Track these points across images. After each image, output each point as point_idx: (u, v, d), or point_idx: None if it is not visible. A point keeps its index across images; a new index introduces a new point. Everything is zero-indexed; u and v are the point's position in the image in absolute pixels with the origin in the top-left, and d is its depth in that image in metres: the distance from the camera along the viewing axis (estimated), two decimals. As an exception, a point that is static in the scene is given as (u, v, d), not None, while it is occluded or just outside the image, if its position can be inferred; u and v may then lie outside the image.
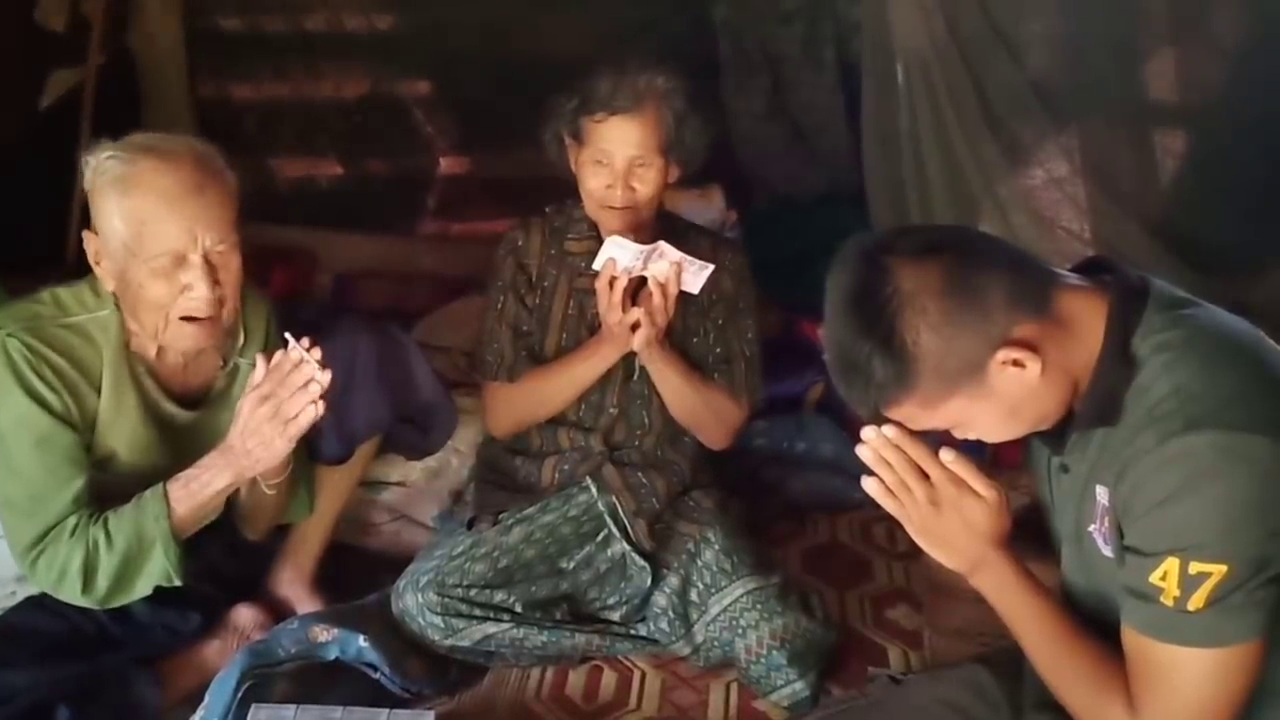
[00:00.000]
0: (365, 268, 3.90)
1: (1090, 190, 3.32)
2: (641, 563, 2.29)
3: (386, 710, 1.97)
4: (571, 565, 2.31)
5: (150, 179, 1.89)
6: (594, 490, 2.35)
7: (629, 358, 2.35)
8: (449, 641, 2.19)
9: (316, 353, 1.87)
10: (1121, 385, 1.36)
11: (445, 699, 2.18)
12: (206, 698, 1.99)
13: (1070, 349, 1.37)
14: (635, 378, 2.41)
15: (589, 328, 2.40)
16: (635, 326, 2.22)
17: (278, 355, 1.90)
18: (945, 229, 1.63)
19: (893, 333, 1.33)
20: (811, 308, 1.54)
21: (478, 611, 2.19)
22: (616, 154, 2.25)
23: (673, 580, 2.28)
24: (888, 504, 1.46)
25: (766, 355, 2.51)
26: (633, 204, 2.28)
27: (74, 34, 3.60)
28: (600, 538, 2.33)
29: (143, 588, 2.00)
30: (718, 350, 2.44)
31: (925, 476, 1.43)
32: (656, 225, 2.37)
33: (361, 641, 2.10)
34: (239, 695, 1.97)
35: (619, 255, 2.19)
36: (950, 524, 1.44)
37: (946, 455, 1.42)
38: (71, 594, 1.98)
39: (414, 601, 2.19)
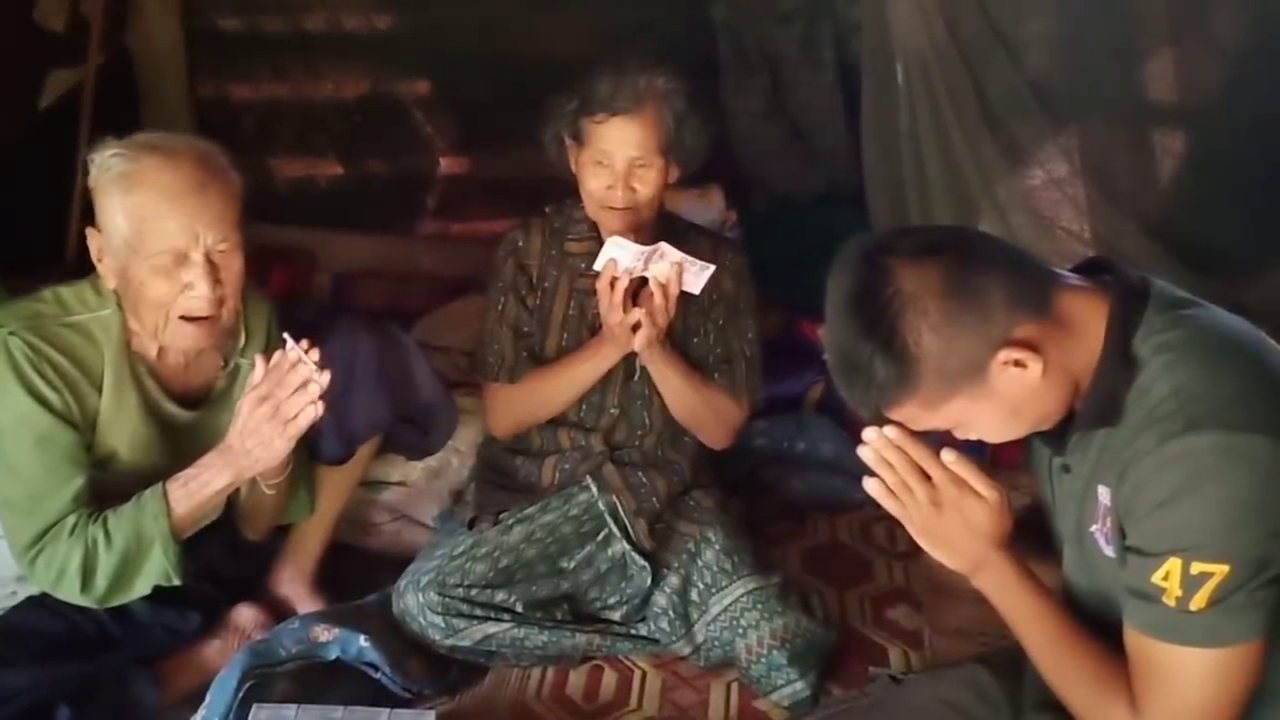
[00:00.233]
0: (364, 268, 3.90)
1: (1089, 191, 3.32)
2: (642, 562, 2.29)
3: (387, 710, 1.97)
4: (572, 565, 2.31)
5: (153, 176, 1.89)
6: (594, 490, 2.35)
7: (630, 358, 2.35)
8: (450, 641, 2.19)
9: (315, 353, 1.87)
10: (1122, 386, 1.36)
11: (446, 699, 2.18)
12: (208, 697, 1.99)
13: (1071, 349, 1.37)
14: (636, 378, 2.41)
15: (589, 328, 2.40)
16: (636, 327, 2.22)
17: (276, 355, 1.90)
18: (945, 229, 1.63)
19: (894, 334, 1.33)
20: (811, 308, 1.54)
21: (478, 611, 2.19)
22: (617, 155, 2.25)
23: (673, 580, 2.28)
24: (889, 504, 1.46)
25: (766, 355, 2.51)
26: (633, 205, 2.28)
27: (73, 34, 3.59)
28: (601, 537, 2.33)
29: (142, 587, 2.01)
30: (718, 350, 2.44)
31: (927, 477, 1.44)
32: (656, 225, 2.38)
33: (362, 641, 2.10)
34: (240, 695, 1.97)
35: (619, 256, 2.19)
36: (952, 524, 1.44)
37: (948, 456, 1.43)
38: (70, 593, 1.98)
39: (415, 601, 2.19)
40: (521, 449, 2.47)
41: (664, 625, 2.27)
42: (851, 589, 2.59)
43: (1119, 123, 3.41)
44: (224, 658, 2.11)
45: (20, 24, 3.47)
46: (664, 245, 2.21)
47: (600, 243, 2.24)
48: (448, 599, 2.18)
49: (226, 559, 2.25)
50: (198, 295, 1.92)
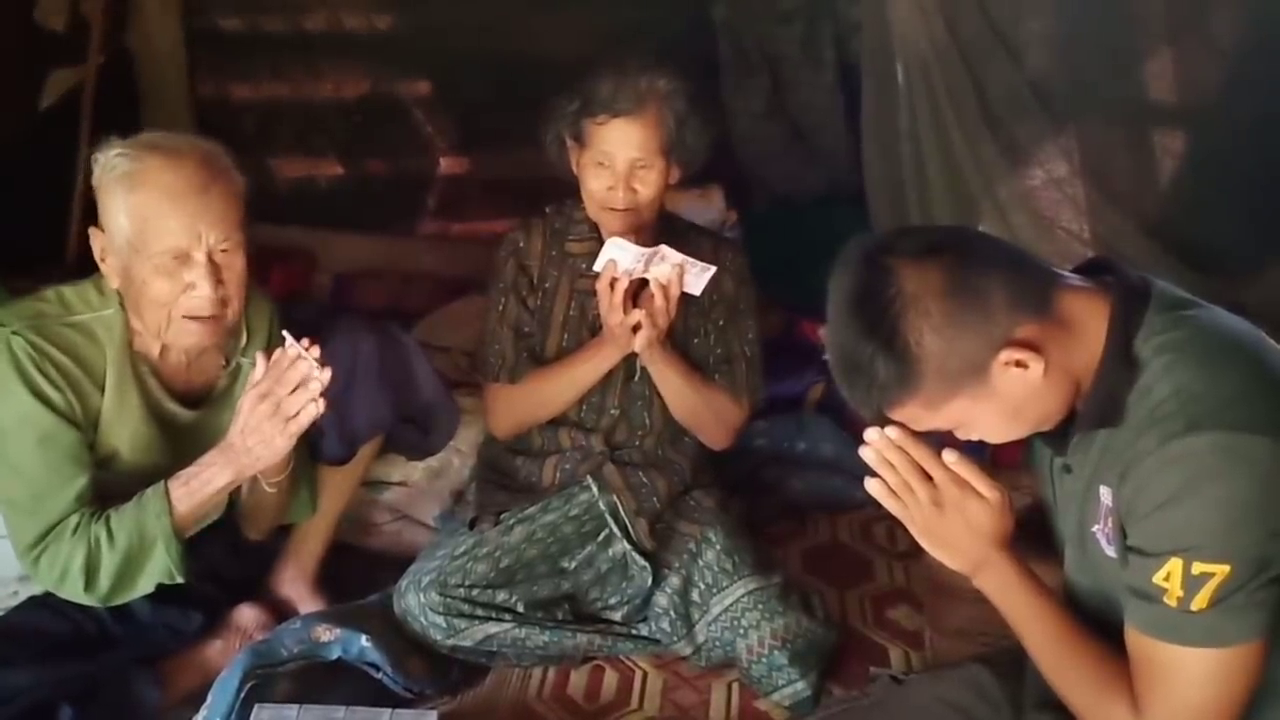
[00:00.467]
0: (365, 268, 3.90)
1: (1089, 191, 3.32)
2: (642, 562, 2.29)
3: (389, 710, 1.97)
4: (573, 565, 2.31)
5: (156, 176, 1.89)
6: (595, 490, 2.35)
7: (630, 358, 2.35)
8: (451, 641, 2.19)
9: (315, 351, 1.87)
10: (1123, 386, 1.36)
11: (447, 699, 2.19)
12: (209, 697, 1.99)
13: (1072, 350, 1.38)
14: (636, 378, 2.41)
15: (590, 329, 2.40)
16: (636, 328, 2.22)
17: (276, 353, 1.91)
18: (946, 230, 1.63)
19: (895, 334, 1.33)
20: (812, 307, 1.54)
21: (480, 611, 2.20)
22: (618, 156, 2.25)
23: (674, 580, 2.28)
24: (890, 505, 1.46)
25: (767, 355, 2.51)
26: (634, 205, 2.28)
27: (73, 34, 3.60)
28: (601, 537, 2.33)
29: (145, 585, 2.01)
30: (718, 351, 2.44)
31: (928, 477, 1.44)
32: (657, 226, 2.38)
33: (364, 641, 2.10)
34: (242, 695, 1.97)
35: (620, 257, 2.19)
36: (953, 525, 1.45)
37: (949, 456, 1.43)
38: (74, 592, 1.98)
39: (416, 601, 2.19)
40: (522, 449, 2.47)
41: (665, 625, 2.27)
42: (852, 589, 2.59)
43: (1119, 123, 3.41)
44: (226, 658, 2.11)
45: (20, 24, 3.48)
46: (665, 248, 2.21)
47: (601, 243, 2.24)
48: (449, 599, 2.19)
49: (228, 559, 2.26)
50: (200, 295, 1.93)
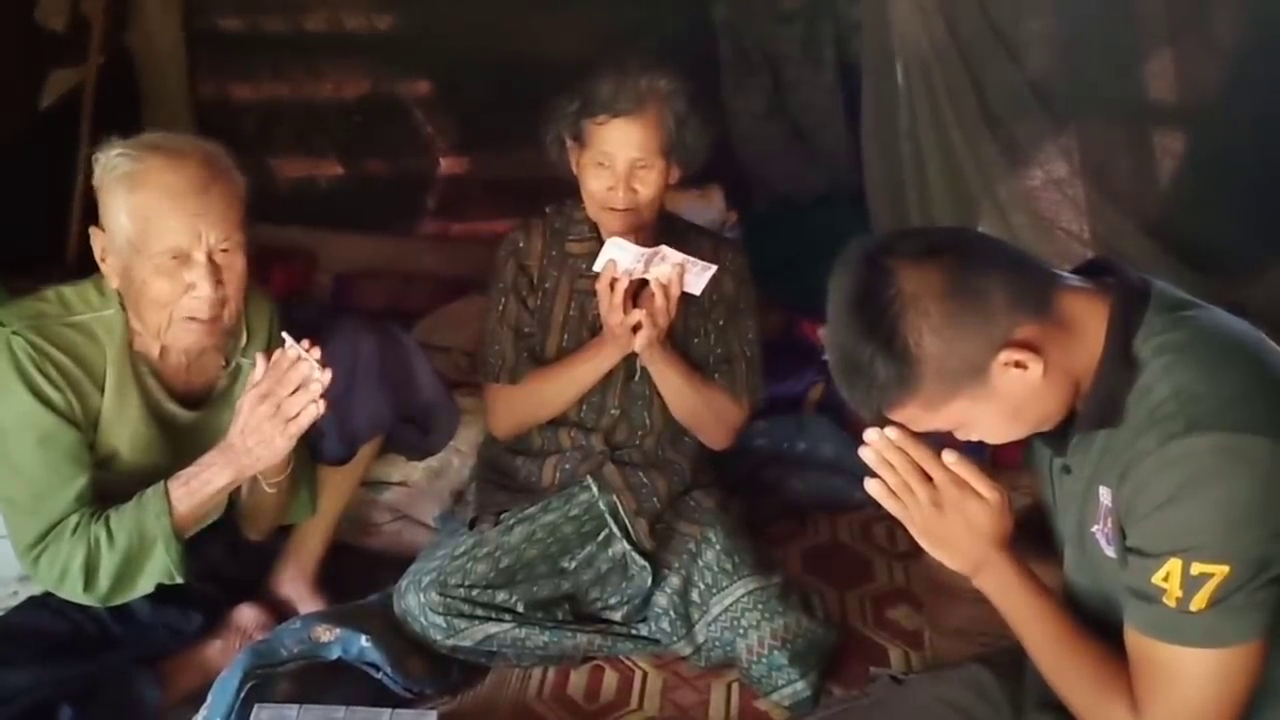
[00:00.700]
0: (365, 268, 3.90)
1: (1089, 191, 3.32)
2: (642, 563, 2.29)
3: (389, 710, 1.97)
4: (573, 565, 2.31)
5: (156, 176, 1.90)
6: (595, 490, 2.35)
7: (630, 358, 2.35)
8: (451, 641, 2.20)
9: (316, 352, 1.88)
10: (1123, 387, 1.36)
11: (447, 699, 2.19)
12: (209, 697, 1.99)
13: (1072, 350, 1.38)
14: (636, 378, 2.41)
15: (590, 329, 2.40)
16: (636, 328, 2.22)
17: (276, 353, 1.91)
18: (946, 230, 1.64)
19: (895, 335, 1.33)
20: (812, 307, 1.54)
21: (479, 611, 2.20)
22: (618, 156, 2.25)
23: (674, 580, 2.28)
24: (890, 505, 1.46)
25: (767, 355, 2.51)
26: (634, 205, 2.28)
27: (74, 34, 3.60)
28: (601, 537, 2.33)
29: (144, 585, 2.01)
30: (718, 351, 2.44)
31: (928, 478, 1.44)
32: (657, 226, 2.38)
33: (364, 641, 2.10)
34: (241, 695, 1.97)
35: (619, 257, 2.19)
36: (953, 525, 1.45)
37: (949, 457, 1.43)
38: (73, 592, 1.99)
39: (416, 601, 2.19)
40: (522, 449, 2.47)
41: (665, 625, 2.27)
42: (852, 589, 2.59)
43: (1119, 123, 3.41)
44: (226, 658, 2.11)
45: (21, 24, 3.48)
46: (665, 248, 2.21)
47: (601, 243, 2.24)
48: (449, 599, 2.19)
49: (228, 559, 2.26)
50: (199, 296, 1.93)
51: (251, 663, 2.01)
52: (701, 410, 2.41)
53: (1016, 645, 1.52)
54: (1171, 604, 1.31)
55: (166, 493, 1.96)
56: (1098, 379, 1.37)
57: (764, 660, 2.19)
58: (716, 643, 2.24)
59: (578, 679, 2.27)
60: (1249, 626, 1.30)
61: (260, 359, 1.92)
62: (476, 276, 2.92)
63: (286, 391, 1.88)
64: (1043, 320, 1.36)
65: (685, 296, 2.26)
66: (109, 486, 2.01)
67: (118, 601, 2.02)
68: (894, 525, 1.54)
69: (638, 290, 2.25)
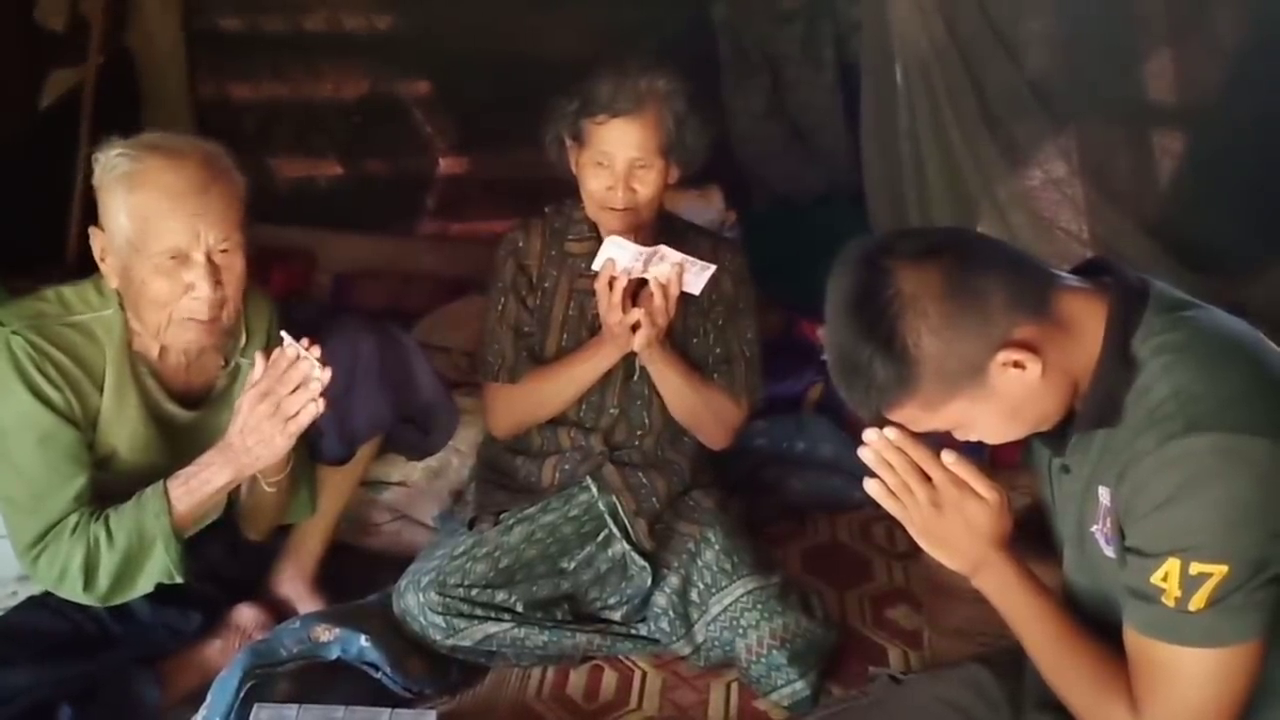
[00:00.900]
0: (364, 268, 3.90)
1: (1088, 191, 3.32)
2: (642, 563, 2.29)
3: (388, 710, 1.97)
4: (572, 565, 2.31)
5: (156, 176, 1.90)
6: (594, 490, 2.35)
7: (629, 358, 2.35)
8: (450, 641, 2.20)
9: (315, 351, 1.88)
10: (1121, 387, 1.36)
11: (446, 699, 2.19)
12: (209, 697, 1.99)
13: (1070, 350, 1.38)
14: (636, 378, 2.41)
15: (589, 328, 2.40)
16: (636, 327, 2.23)
17: (275, 352, 1.91)
18: (945, 231, 1.63)
19: (894, 335, 1.33)
20: (811, 307, 1.54)
21: (479, 611, 2.20)
22: (617, 156, 2.25)
23: (673, 580, 2.28)
24: (889, 505, 1.46)
25: (766, 355, 2.51)
26: (633, 205, 2.28)
27: (73, 34, 3.60)
28: (601, 538, 2.33)
29: (144, 585, 2.01)
30: (717, 350, 2.44)
31: (927, 478, 1.44)
32: (656, 226, 2.38)
33: (363, 641, 2.10)
34: (241, 695, 1.97)
35: (618, 255, 2.19)
36: (952, 525, 1.45)
37: (948, 457, 1.43)
38: (73, 591, 1.99)
39: (415, 601, 2.19)
40: (522, 449, 2.47)
41: (664, 625, 2.27)
42: (851, 589, 2.59)
43: (1118, 123, 3.41)
44: (225, 657, 2.11)
45: (20, 24, 3.48)
46: (664, 247, 2.21)
47: (600, 243, 2.24)
48: (448, 599, 2.19)
49: (227, 559, 2.26)
50: (199, 296, 1.93)
51: (251, 662, 2.01)
52: (700, 410, 2.41)
53: (1016, 645, 1.52)
54: (1170, 604, 1.31)
55: (166, 492, 1.96)
56: (1096, 379, 1.37)
57: (763, 660, 2.19)
58: (716, 642, 2.24)
59: (577, 679, 2.28)
60: (1248, 626, 1.30)
61: (259, 358, 1.92)
62: (476, 276, 2.92)
63: (286, 390, 1.88)
64: (1041, 320, 1.36)
65: (684, 296, 2.26)
66: (108, 486, 2.01)
67: (117, 601, 2.02)
68: (893, 525, 1.54)
69: (637, 289, 2.25)
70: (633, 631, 2.31)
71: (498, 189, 4.16)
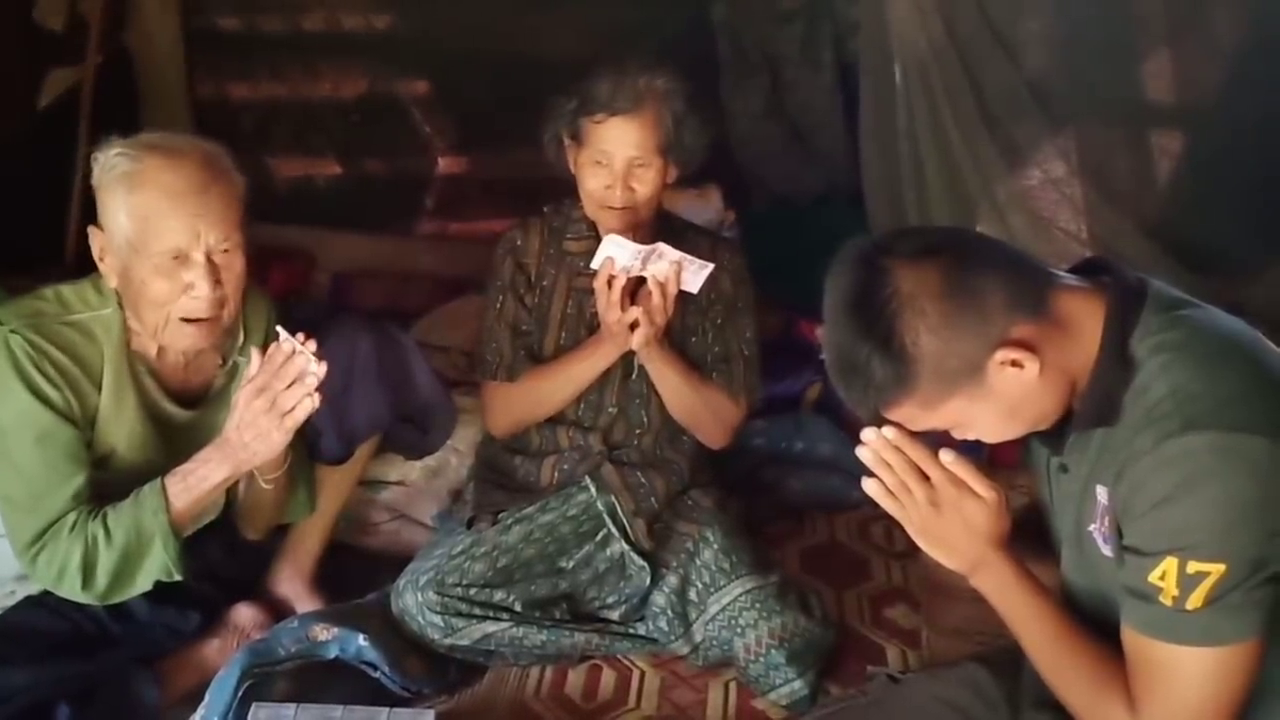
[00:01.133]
0: (363, 267, 3.90)
1: (1087, 191, 3.33)
2: (640, 562, 2.29)
3: (386, 709, 1.98)
4: (571, 565, 2.32)
5: (156, 176, 1.90)
6: (593, 490, 2.35)
7: (628, 357, 2.35)
8: (448, 640, 2.20)
9: (311, 345, 1.88)
10: (1119, 386, 1.36)
11: (445, 698, 2.19)
12: (207, 696, 1.99)
13: (1068, 349, 1.38)
14: (634, 376, 2.41)
15: (588, 327, 2.40)
16: (634, 325, 2.23)
17: (271, 347, 1.91)
18: (943, 231, 1.64)
19: (892, 334, 1.33)
20: (810, 307, 1.54)
21: (477, 610, 2.20)
22: (616, 155, 2.25)
23: (671, 579, 2.28)
24: (888, 505, 1.46)
25: (765, 355, 2.51)
26: (632, 204, 2.28)
27: (72, 33, 3.60)
28: (599, 537, 2.33)
29: (143, 583, 2.01)
30: (716, 349, 2.44)
31: (925, 477, 1.44)
32: (655, 225, 2.38)
33: (361, 640, 2.10)
34: (239, 694, 1.97)
35: (617, 254, 2.20)
36: (950, 525, 1.45)
37: (946, 456, 1.43)
38: (72, 590, 1.98)
39: (413, 600, 2.19)
40: (520, 448, 2.47)
41: (662, 624, 2.28)
42: (850, 588, 2.59)
43: (1117, 123, 3.42)
44: (223, 657, 2.11)
45: (19, 23, 3.48)
46: (662, 245, 2.21)
47: (598, 242, 2.24)
48: (446, 598, 2.19)
49: (226, 558, 2.26)
50: (198, 296, 1.93)
51: (249, 662, 2.01)
52: (699, 409, 2.41)
53: (1014, 644, 1.52)
54: (1168, 603, 1.31)
55: (163, 489, 1.96)
56: (1094, 378, 1.38)
57: (761, 659, 2.19)
58: (714, 642, 2.24)
59: (575, 678, 2.28)
60: (1246, 625, 1.30)
61: (255, 354, 1.92)
62: (475, 276, 2.92)
63: (282, 385, 1.88)
64: (1039, 320, 1.36)
65: (683, 295, 2.26)
66: (106, 486, 2.01)
67: (116, 599, 2.02)
68: (892, 524, 1.54)
69: (635, 288, 2.25)
70: (631, 631, 2.31)
71: (496, 189, 4.16)
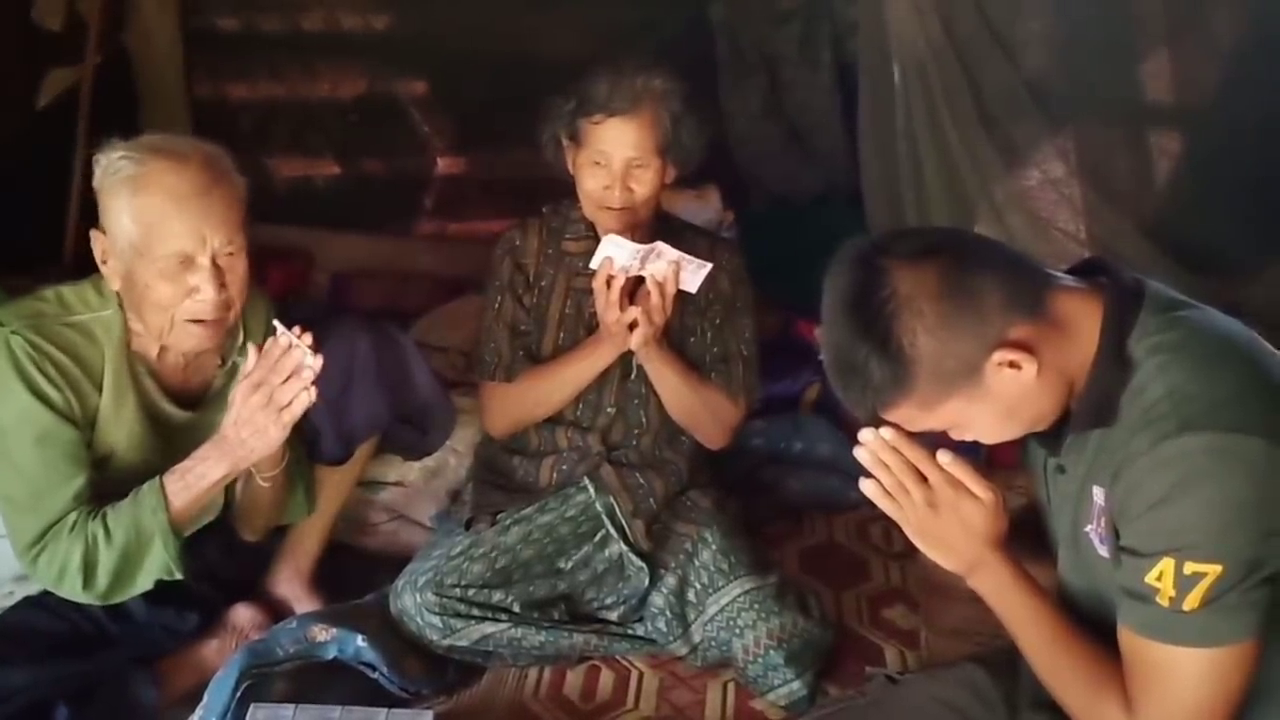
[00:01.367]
0: (362, 267, 3.90)
1: (1086, 191, 3.33)
2: (639, 563, 2.29)
3: (385, 710, 1.98)
4: (569, 565, 2.32)
5: (160, 179, 1.89)
6: (592, 491, 2.35)
7: (627, 357, 2.35)
8: (447, 641, 2.20)
9: (307, 338, 1.87)
10: (1117, 387, 1.36)
11: (443, 698, 2.19)
12: (205, 697, 1.99)
13: (1066, 350, 1.38)
14: (633, 377, 2.41)
15: (586, 327, 2.41)
16: (633, 325, 2.23)
17: (268, 342, 1.91)
18: (941, 231, 1.63)
19: (890, 335, 1.33)
20: (809, 308, 1.55)
21: (476, 611, 2.20)
22: (614, 155, 2.26)
23: (670, 580, 2.28)
24: (885, 506, 1.46)
25: (763, 355, 2.51)
26: (630, 205, 2.28)
27: (71, 33, 3.60)
28: (598, 538, 2.33)
29: (144, 582, 2.01)
30: (715, 350, 2.44)
31: (923, 478, 1.44)
32: (653, 226, 2.38)
33: (360, 641, 2.10)
34: (238, 695, 1.97)
35: (616, 254, 2.20)
36: (948, 525, 1.45)
37: (944, 457, 1.43)
38: (72, 590, 1.98)
39: (412, 601, 2.20)
40: (519, 449, 2.47)
41: (661, 625, 2.28)
42: (848, 589, 2.59)
43: (1116, 123, 3.42)
44: (222, 657, 2.11)
45: (18, 23, 3.48)
46: (660, 244, 2.21)
47: (597, 242, 2.25)
48: (445, 599, 2.19)
49: (224, 559, 2.26)
50: (204, 299, 1.93)
51: (248, 662, 2.01)
52: (698, 409, 2.41)
53: (1011, 645, 1.52)
54: (1165, 604, 1.31)
55: (162, 487, 1.96)
56: (1092, 379, 1.38)
57: (760, 660, 2.19)
58: (713, 642, 2.24)
59: (574, 679, 2.28)
60: (1242, 626, 1.30)
61: (252, 350, 1.92)
62: (473, 276, 2.92)
63: (279, 379, 1.88)
64: (1037, 320, 1.36)
65: (681, 295, 2.27)
66: (106, 486, 2.01)
67: (118, 599, 2.02)
68: (890, 525, 1.54)
69: (634, 289, 2.25)
70: (630, 631, 2.31)
71: (495, 189, 4.16)
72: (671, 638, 2.27)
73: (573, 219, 2.43)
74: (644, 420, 2.45)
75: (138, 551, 1.97)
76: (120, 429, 2.03)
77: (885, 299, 1.33)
